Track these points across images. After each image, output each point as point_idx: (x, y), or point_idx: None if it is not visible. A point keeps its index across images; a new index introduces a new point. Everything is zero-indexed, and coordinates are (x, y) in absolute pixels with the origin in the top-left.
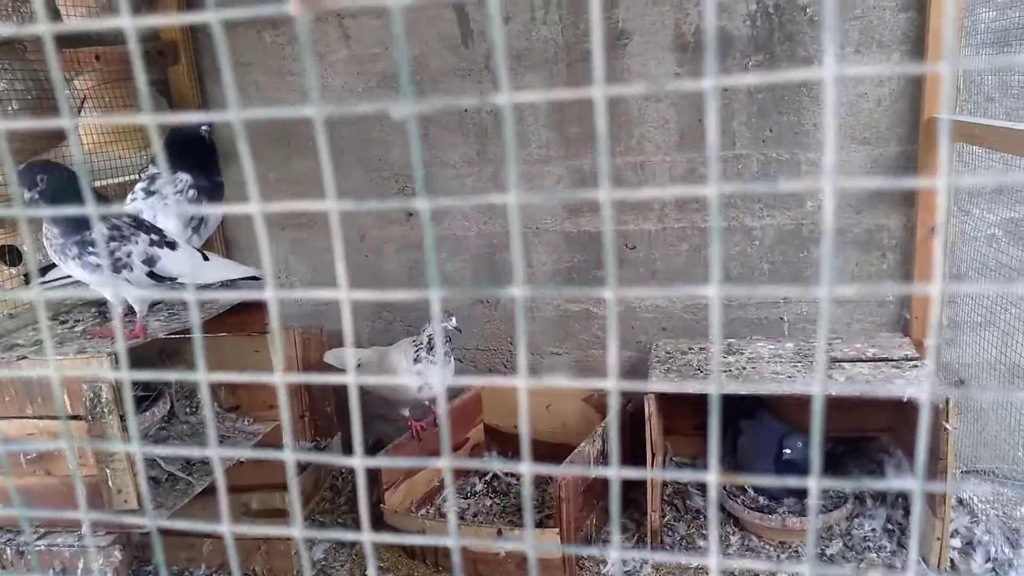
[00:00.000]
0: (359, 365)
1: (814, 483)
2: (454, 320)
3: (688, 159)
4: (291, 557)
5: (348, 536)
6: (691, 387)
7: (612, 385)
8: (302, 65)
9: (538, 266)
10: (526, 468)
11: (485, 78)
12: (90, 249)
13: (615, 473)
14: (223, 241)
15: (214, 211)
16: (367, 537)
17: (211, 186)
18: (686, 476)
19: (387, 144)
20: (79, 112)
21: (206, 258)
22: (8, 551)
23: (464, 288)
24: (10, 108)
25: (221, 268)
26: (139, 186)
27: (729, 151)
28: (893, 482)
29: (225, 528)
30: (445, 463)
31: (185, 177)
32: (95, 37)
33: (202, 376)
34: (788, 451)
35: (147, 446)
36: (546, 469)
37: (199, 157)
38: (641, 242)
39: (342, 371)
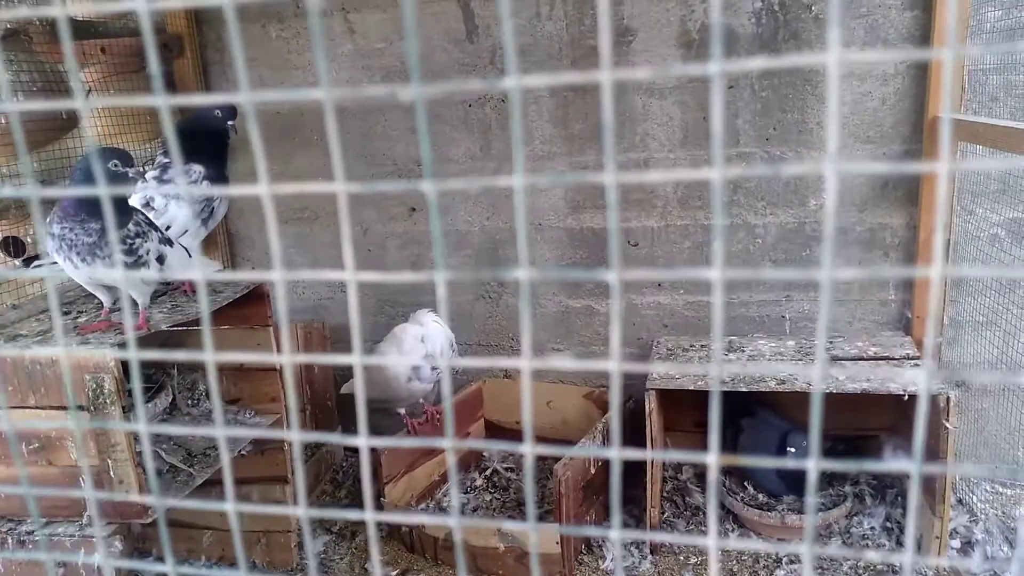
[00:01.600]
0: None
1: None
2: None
3: (692, 156)
4: (291, 550)
5: (352, 515)
6: (693, 371)
7: (614, 367)
8: (307, 59)
9: (540, 262)
10: (528, 449)
11: (490, 73)
12: (121, 248)
13: (616, 454)
14: (226, 234)
15: (223, 192)
16: (370, 516)
17: (220, 179)
18: (687, 457)
19: (390, 139)
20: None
21: (190, 255)
22: (9, 540)
23: (468, 270)
24: (16, 99)
25: (201, 265)
26: (150, 174)
27: (732, 149)
28: (891, 463)
29: (229, 506)
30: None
31: (199, 168)
32: (101, 29)
33: (209, 356)
34: (792, 449)
35: (155, 426)
36: (549, 450)
37: (213, 148)
38: (644, 239)
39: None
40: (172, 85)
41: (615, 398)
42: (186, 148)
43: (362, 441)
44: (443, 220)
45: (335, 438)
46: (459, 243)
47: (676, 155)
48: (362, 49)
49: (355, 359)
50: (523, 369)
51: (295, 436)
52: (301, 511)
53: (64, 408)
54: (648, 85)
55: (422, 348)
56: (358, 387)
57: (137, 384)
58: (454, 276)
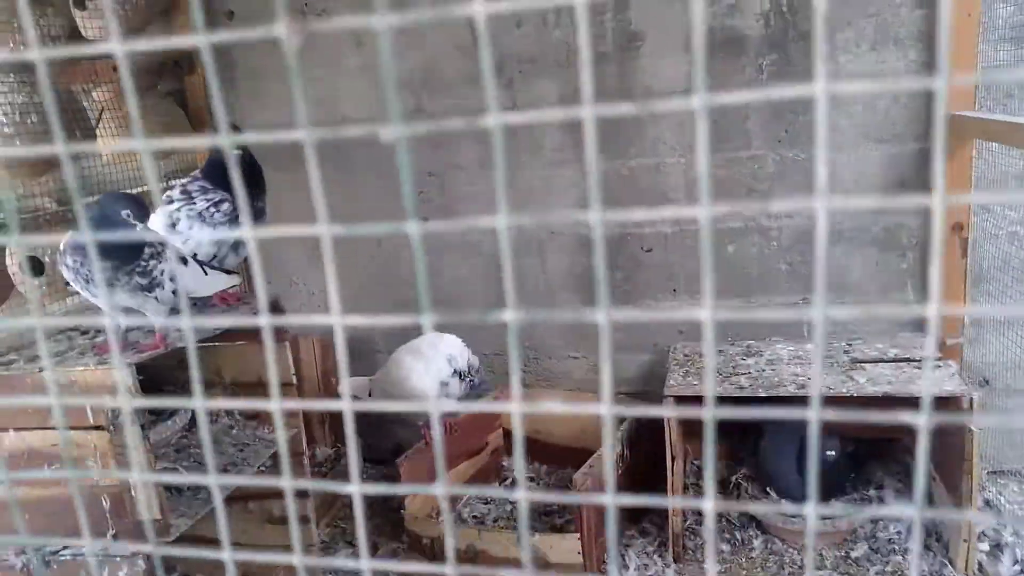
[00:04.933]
0: (370, 394)
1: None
2: (473, 367)
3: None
4: (316, 573)
5: (332, 487)
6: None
7: (605, 410)
8: (316, 75)
9: (552, 270)
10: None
11: (499, 83)
12: (138, 271)
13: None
14: None
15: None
16: (355, 489)
17: (253, 210)
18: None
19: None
20: (97, 123)
21: (206, 272)
22: (34, 560)
23: (459, 312)
24: (29, 121)
25: (217, 280)
26: (180, 182)
27: (744, 151)
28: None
29: (226, 556)
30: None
31: (227, 197)
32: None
33: (186, 322)
34: (831, 452)
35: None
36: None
37: (245, 179)
38: (657, 244)
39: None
40: (184, 103)
41: (609, 437)
42: (213, 177)
43: (346, 403)
44: (455, 230)
45: (319, 405)
46: (469, 251)
47: (688, 159)
48: (370, 63)
49: (335, 319)
50: (513, 413)
51: (275, 406)
52: (286, 482)
53: (84, 428)
54: (657, 89)
55: (448, 368)
56: (339, 345)
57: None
58: (439, 318)
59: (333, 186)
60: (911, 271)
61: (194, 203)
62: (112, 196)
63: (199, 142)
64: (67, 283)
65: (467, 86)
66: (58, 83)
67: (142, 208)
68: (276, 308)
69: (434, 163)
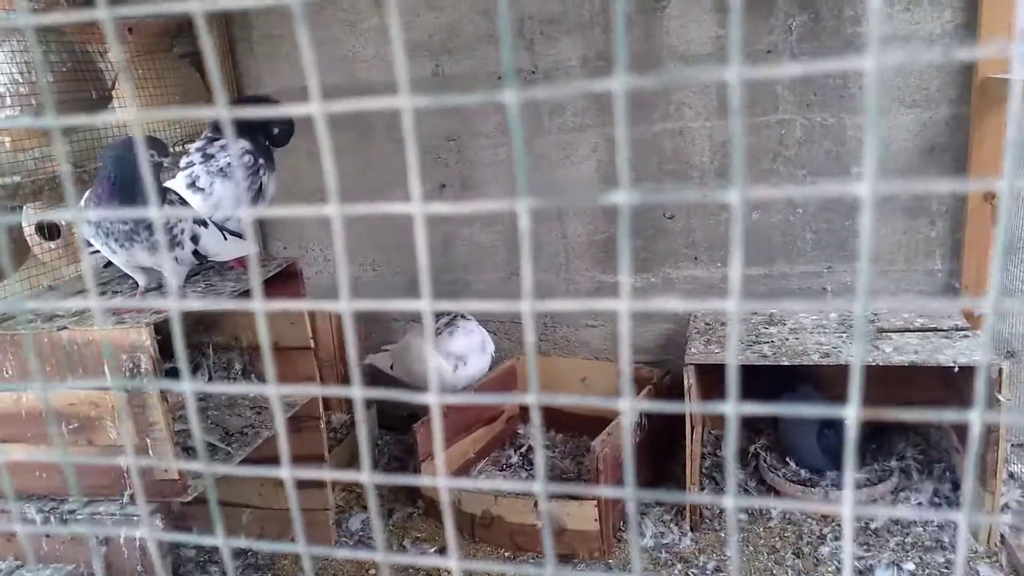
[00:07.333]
0: (392, 367)
1: None
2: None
3: (729, 125)
4: (329, 527)
5: (348, 477)
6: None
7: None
8: (334, 34)
9: (572, 237)
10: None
11: (519, 44)
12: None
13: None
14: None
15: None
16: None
17: (269, 161)
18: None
19: (417, 115)
20: (113, 85)
21: (225, 237)
22: (52, 519)
23: (472, 300)
24: (47, 79)
25: (237, 246)
26: (195, 146)
27: (772, 115)
28: None
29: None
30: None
31: (243, 143)
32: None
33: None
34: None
35: (200, 385)
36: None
37: (260, 126)
38: (679, 211)
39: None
40: (200, 65)
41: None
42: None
43: (356, 392)
44: (472, 198)
45: (335, 391)
46: (489, 220)
47: (712, 123)
48: (388, 23)
49: (343, 305)
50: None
51: (272, 391)
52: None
53: (102, 389)
54: (683, 52)
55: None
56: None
57: (180, 348)
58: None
59: (350, 154)
60: (940, 240)
61: (215, 160)
62: (130, 139)
63: (201, 113)
64: (88, 243)
65: (487, 46)
66: (76, 41)
67: (163, 148)
68: (294, 273)
69: (453, 128)
